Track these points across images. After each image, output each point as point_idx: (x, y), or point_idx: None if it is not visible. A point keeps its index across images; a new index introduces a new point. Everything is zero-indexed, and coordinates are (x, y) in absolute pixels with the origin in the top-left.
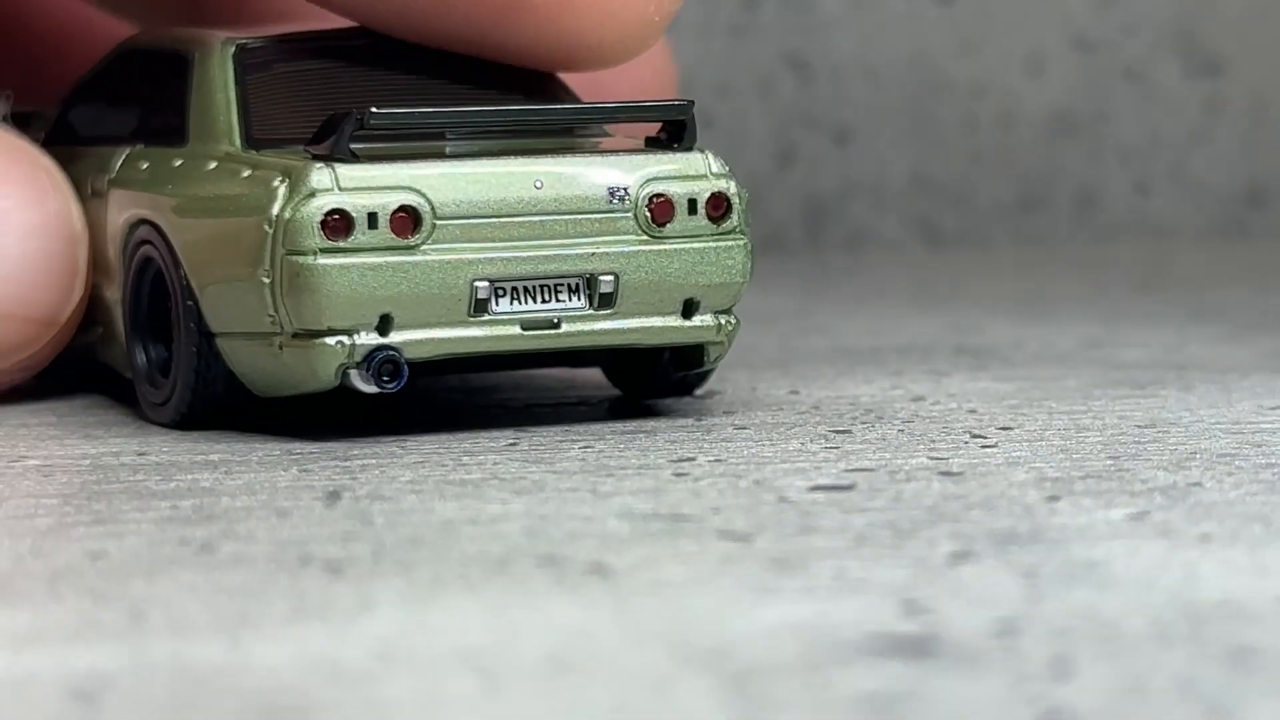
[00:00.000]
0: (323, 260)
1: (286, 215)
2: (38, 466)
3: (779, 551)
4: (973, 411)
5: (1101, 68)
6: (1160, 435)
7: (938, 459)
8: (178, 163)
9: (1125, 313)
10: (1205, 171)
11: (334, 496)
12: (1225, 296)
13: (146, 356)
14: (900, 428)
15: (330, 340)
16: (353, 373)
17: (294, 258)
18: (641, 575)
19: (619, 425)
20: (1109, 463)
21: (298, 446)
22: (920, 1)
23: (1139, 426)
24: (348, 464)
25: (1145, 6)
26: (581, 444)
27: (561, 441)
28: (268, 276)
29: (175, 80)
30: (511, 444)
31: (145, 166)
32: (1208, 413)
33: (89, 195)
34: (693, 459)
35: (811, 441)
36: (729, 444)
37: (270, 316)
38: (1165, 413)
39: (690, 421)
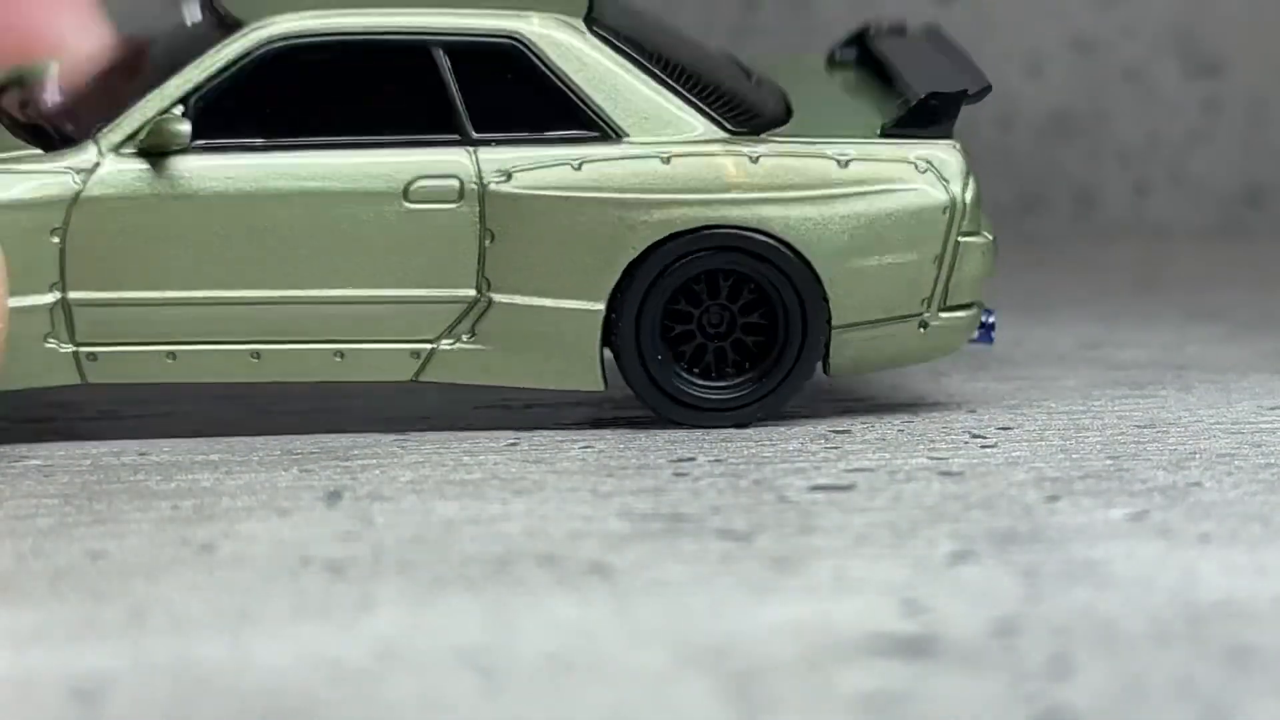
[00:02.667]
0: (978, 239)
1: (966, 199)
2: (39, 466)
3: (779, 551)
4: (972, 411)
5: (1101, 68)
6: (1159, 435)
7: (937, 459)
8: (768, 160)
9: (1124, 313)
10: (1205, 172)
11: (334, 496)
12: (1224, 296)
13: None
14: (900, 427)
15: (968, 312)
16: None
17: (968, 239)
18: (641, 575)
19: (619, 425)
20: (1108, 463)
21: (298, 446)
22: (919, 2)
23: (1138, 426)
24: (348, 464)
25: (1145, 7)
26: (581, 444)
27: (561, 441)
28: (936, 259)
29: (513, 70)
30: (511, 444)
31: (598, 167)
32: (1207, 413)
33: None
34: (693, 459)
35: (811, 441)
36: (729, 444)
37: (924, 299)
38: (1164, 413)
39: None
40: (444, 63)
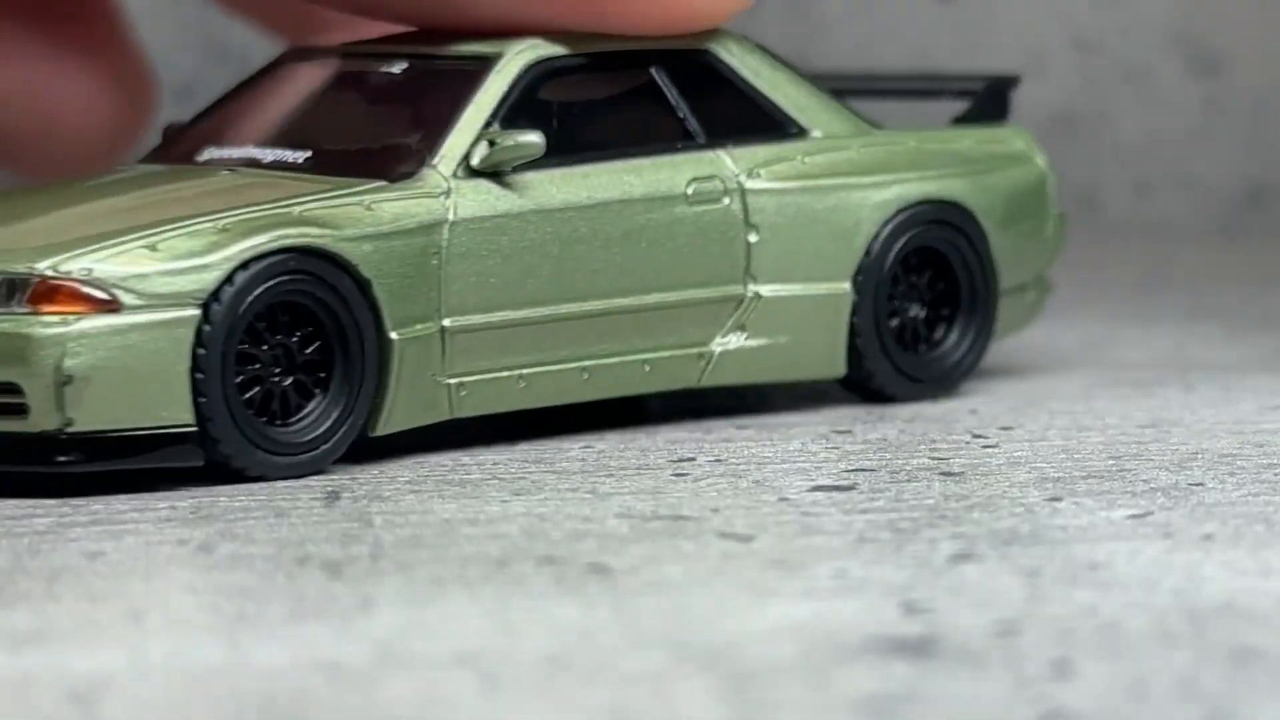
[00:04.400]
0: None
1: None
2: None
3: (779, 552)
4: (974, 411)
5: (1101, 68)
6: (1162, 435)
7: (939, 459)
8: (925, 144)
9: (1126, 313)
10: (1205, 171)
11: (333, 496)
12: (1226, 296)
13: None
14: (901, 428)
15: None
16: None
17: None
18: (641, 575)
19: (619, 425)
20: (1110, 463)
21: None
22: (920, 2)
23: (1140, 426)
24: (347, 464)
25: (1145, 6)
26: (581, 444)
27: (561, 441)
28: (1051, 225)
29: (710, 79)
30: (511, 444)
31: (819, 158)
32: (1209, 413)
33: (696, 200)
34: (693, 459)
35: (812, 441)
36: (729, 444)
37: (1040, 266)
38: (1166, 413)
39: (690, 421)
40: (662, 77)
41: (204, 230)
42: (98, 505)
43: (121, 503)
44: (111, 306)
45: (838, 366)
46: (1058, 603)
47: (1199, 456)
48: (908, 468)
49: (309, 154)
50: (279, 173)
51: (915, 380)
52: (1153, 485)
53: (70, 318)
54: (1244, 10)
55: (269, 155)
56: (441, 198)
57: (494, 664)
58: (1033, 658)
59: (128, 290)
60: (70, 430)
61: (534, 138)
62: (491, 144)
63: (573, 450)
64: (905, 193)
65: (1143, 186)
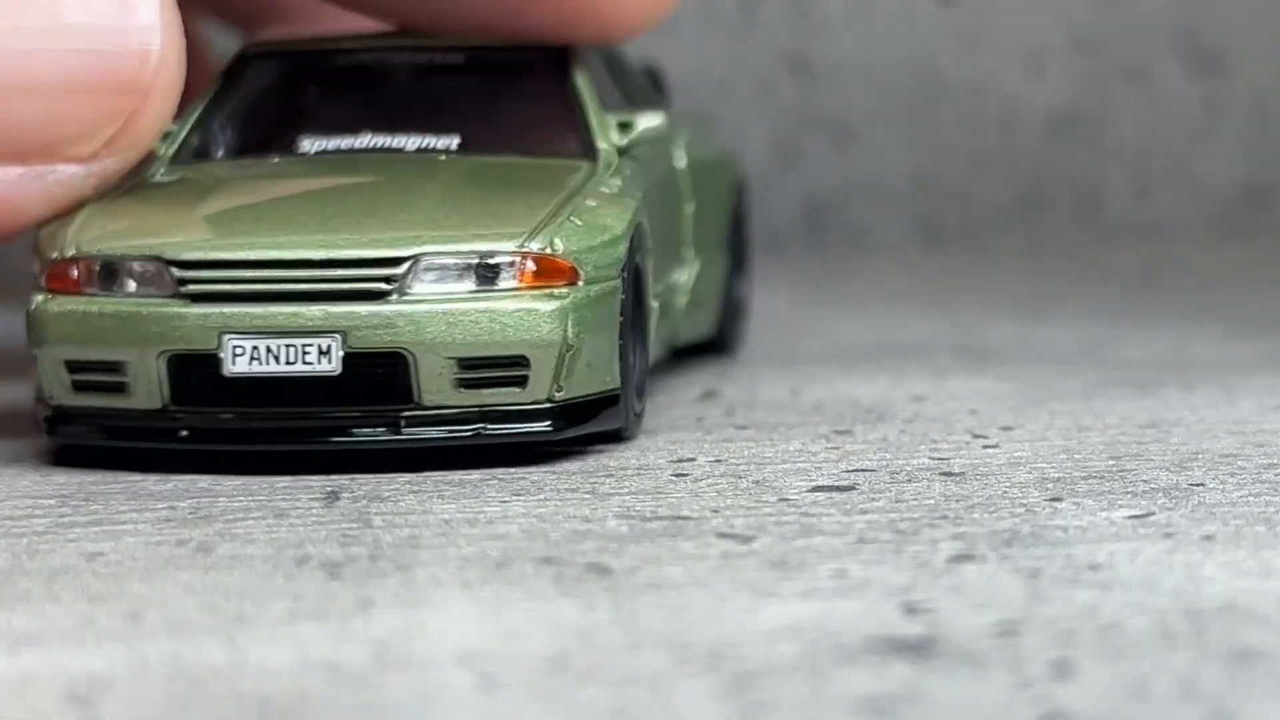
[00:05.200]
0: None
1: None
2: (35, 466)
3: (779, 552)
4: (974, 412)
5: (1101, 68)
6: (1162, 435)
7: (939, 459)
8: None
9: (1126, 313)
10: (1206, 171)
11: (332, 497)
12: (1226, 296)
13: None
14: (901, 428)
15: None
16: None
17: None
18: (641, 575)
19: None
20: (1111, 463)
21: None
22: (920, 2)
23: (1141, 427)
24: (346, 464)
25: (1145, 6)
26: (582, 444)
27: (561, 442)
28: None
29: (616, 69)
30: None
31: (680, 138)
32: (1209, 413)
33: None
34: (693, 459)
35: (812, 442)
36: (729, 444)
37: None
38: (1167, 413)
39: (690, 421)
40: (609, 67)
41: (589, 207)
42: (96, 505)
43: (121, 503)
44: (575, 279)
45: (713, 326)
46: (1058, 603)
47: (1199, 457)
48: (908, 468)
49: (458, 140)
50: (461, 156)
51: (736, 332)
52: (1153, 485)
53: (560, 291)
54: (1244, 10)
55: (409, 142)
56: (625, 174)
57: (493, 664)
58: (1033, 658)
59: (583, 264)
60: (558, 398)
61: (660, 119)
62: (623, 125)
63: (573, 450)
64: (734, 170)
65: (1143, 186)
